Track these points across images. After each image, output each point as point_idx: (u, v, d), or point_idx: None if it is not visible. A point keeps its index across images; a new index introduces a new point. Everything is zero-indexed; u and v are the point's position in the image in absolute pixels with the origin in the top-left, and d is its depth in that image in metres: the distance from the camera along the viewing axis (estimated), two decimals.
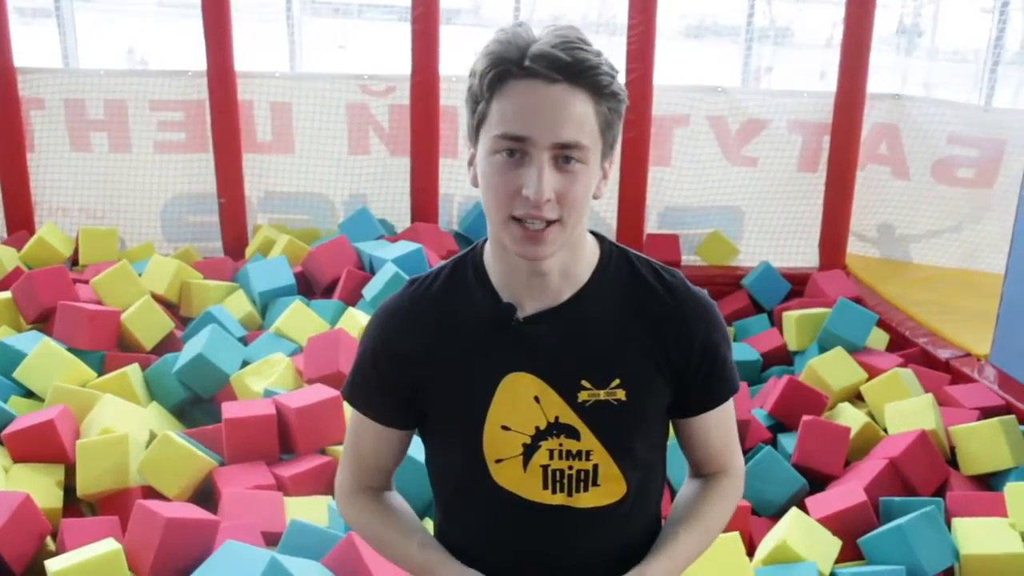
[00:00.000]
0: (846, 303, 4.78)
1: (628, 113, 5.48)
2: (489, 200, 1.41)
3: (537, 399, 1.49)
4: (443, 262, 1.60)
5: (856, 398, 4.40)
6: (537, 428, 1.50)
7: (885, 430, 4.03)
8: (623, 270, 1.53)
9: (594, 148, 1.39)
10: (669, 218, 6.01)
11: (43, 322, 4.51)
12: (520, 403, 1.49)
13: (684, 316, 1.51)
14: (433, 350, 1.52)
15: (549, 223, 1.38)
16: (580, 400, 1.48)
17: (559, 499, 1.52)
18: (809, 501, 3.56)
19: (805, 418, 3.90)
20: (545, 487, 1.52)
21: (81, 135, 5.72)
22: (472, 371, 1.51)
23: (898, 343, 4.92)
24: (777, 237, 6.00)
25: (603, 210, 5.80)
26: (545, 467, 1.51)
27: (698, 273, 5.76)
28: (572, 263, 1.49)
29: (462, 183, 5.79)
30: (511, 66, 1.36)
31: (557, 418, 1.49)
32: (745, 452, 3.91)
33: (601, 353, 1.48)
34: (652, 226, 5.97)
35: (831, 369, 4.39)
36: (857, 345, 4.64)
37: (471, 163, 1.46)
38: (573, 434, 1.49)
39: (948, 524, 3.37)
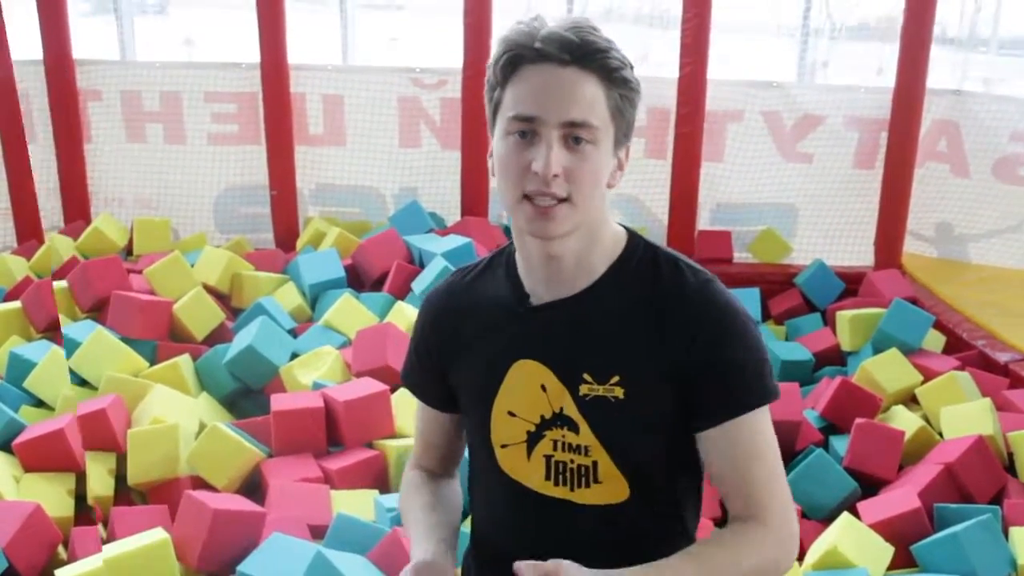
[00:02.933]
0: (902, 304, 4.68)
1: (681, 107, 5.38)
2: (502, 180, 1.44)
3: (544, 388, 1.50)
4: (489, 253, 1.65)
5: (911, 401, 4.31)
6: (542, 417, 1.51)
7: (940, 435, 3.94)
8: (644, 267, 1.51)
9: (605, 130, 1.41)
10: (722, 215, 5.93)
11: (98, 311, 4.57)
12: (527, 390, 1.51)
13: (694, 318, 1.45)
14: (459, 335, 1.59)
15: (559, 201, 1.40)
16: (581, 393, 1.48)
17: (561, 492, 1.53)
18: (861, 506, 3.50)
19: (858, 421, 3.83)
20: (548, 478, 1.53)
21: (137, 126, 5.79)
22: (486, 356, 1.55)
23: (955, 345, 4.80)
24: (832, 235, 5.89)
25: (655, 206, 5.74)
26: (548, 457, 1.52)
27: (750, 271, 5.69)
28: (588, 253, 1.49)
29: None
30: (523, 50, 1.40)
31: (562, 409, 1.50)
32: (796, 454, 3.86)
33: (604, 348, 1.48)
34: (704, 223, 5.90)
35: (885, 371, 4.31)
36: (912, 347, 4.55)
37: (491, 155, 1.49)
38: (573, 427, 1.50)
39: (1005, 533, 3.28)
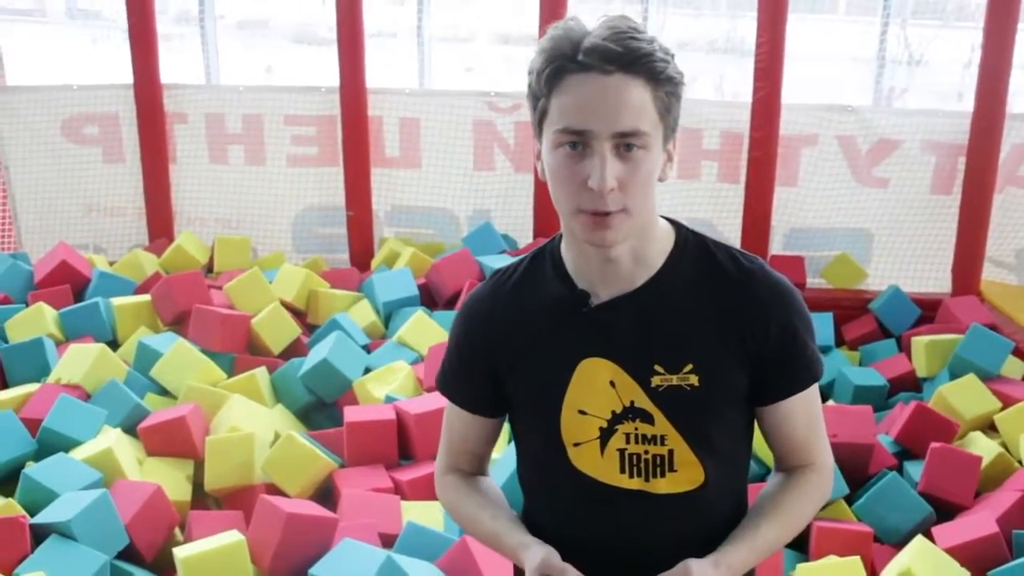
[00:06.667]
0: (980, 329, 4.59)
1: (754, 131, 5.34)
2: (557, 193, 1.46)
3: (612, 384, 1.52)
4: (525, 254, 1.66)
5: (989, 428, 4.21)
6: (613, 412, 1.53)
7: (1020, 462, 3.85)
8: (699, 256, 1.55)
9: (655, 133, 1.43)
10: (795, 240, 5.87)
11: (179, 324, 4.71)
12: (596, 388, 1.53)
13: (759, 300, 1.52)
14: (511, 338, 1.59)
15: (616, 211, 1.43)
16: (653, 385, 1.51)
17: (636, 483, 1.54)
18: (936, 530, 3.43)
19: (933, 445, 3.76)
20: (622, 471, 1.55)
21: (219, 148, 5.95)
22: (548, 357, 1.56)
23: None
24: (908, 261, 5.80)
25: (727, 230, 5.72)
26: (622, 451, 1.54)
27: (824, 296, 5.63)
28: (643, 249, 1.52)
29: None
30: (566, 61, 1.40)
31: (632, 402, 1.52)
32: (869, 478, 3.80)
33: (674, 338, 1.51)
34: (777, 247, 5.86)
35: (962, 397, 4.22)
36: (991, 373, 4.45)
37: (538, 157, 1.51)
38: (647, 419, 1.52)
39: None
